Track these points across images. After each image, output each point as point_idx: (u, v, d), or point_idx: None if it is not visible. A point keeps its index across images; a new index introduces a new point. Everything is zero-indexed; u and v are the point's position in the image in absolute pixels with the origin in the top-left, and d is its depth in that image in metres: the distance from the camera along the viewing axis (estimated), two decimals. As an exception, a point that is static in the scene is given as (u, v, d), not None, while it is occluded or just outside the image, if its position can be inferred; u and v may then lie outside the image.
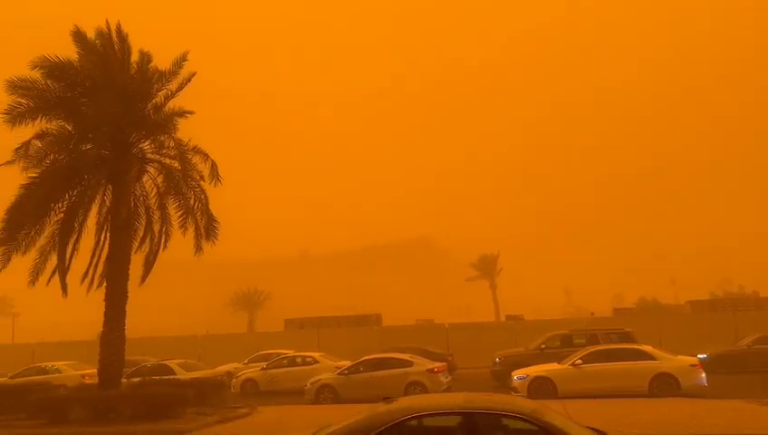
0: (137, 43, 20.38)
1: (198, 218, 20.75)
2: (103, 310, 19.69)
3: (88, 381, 24.96)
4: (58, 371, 26.81)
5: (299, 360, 26.93)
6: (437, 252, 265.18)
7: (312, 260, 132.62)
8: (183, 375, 23.50)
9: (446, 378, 21.71)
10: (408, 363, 21.57)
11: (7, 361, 36.16)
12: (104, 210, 20.47)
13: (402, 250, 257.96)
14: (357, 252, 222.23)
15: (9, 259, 18.21)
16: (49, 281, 19.13)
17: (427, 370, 21.24)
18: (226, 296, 78.87)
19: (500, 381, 23.97)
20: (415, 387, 20.70)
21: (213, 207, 20.94)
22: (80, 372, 26.90)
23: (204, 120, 21.18)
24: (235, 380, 26.86)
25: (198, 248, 20.77)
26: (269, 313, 73.11)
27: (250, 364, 29.80)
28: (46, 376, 25.80)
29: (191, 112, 20.03)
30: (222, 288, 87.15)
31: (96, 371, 26.58)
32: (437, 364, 21.98)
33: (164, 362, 25.84)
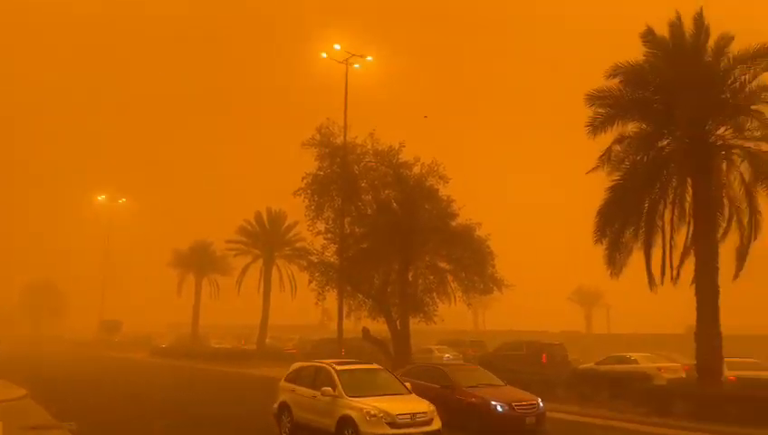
0: (724, 26, 19.29)
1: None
2: (693, 303, 19.32)
3: (663, 373, 25.04)
4: (635, 361, 27.45)
5: None
6: None
7: None
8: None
9: None
10: None
11: (602, 349, 39.36)
12: (685, 203, 20.16)
13: None
14: None
15: (615, 261, 19.94)
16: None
17: None
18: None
19: None
20: None
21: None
22: (656, 364, 26.98)
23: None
24: None
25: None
26: None
27: None
28: (625, 365, 26.77)
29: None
30: None
31: (669, 365, 26.87)
32: None
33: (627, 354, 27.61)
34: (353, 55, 34.74)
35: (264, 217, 50.52)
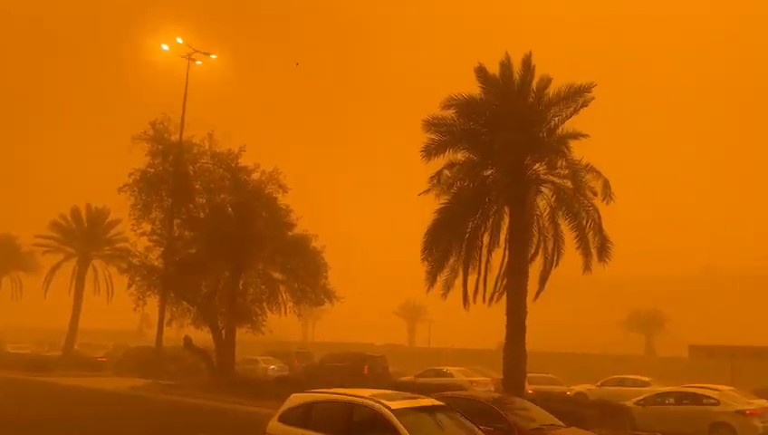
0: (545, 69, 21.25)
1: (590, 238, 20.56)
2: (504, 322, 20.96)
3: (475, 387, 27.42)
4: (451, 375, 29.76)
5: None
6: None
7: (719, 278, 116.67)
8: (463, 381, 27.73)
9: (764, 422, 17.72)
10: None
11: (422, 362, 41.38)
12: (501, 231, 21.84)
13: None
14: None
15: (435, 278, 20.98)
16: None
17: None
18: (621, 315, 75.68)
19: None
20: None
21: (609, 222, 20.47)
22: (468, 378, 29.55)
23: (600, 137, 20.97)
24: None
25: (587, 268, 20.62)
26: (670, 337, 67.30)
27: (604, 387, 27.92)
28: (441, 378, 28.91)
29: (585, 135, 20.12)
30: (617, 306, 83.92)
31: (481, 379, 29.42)
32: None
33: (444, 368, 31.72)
34: (196, 51, 33.38)
35: (83, 212, 46.40)
